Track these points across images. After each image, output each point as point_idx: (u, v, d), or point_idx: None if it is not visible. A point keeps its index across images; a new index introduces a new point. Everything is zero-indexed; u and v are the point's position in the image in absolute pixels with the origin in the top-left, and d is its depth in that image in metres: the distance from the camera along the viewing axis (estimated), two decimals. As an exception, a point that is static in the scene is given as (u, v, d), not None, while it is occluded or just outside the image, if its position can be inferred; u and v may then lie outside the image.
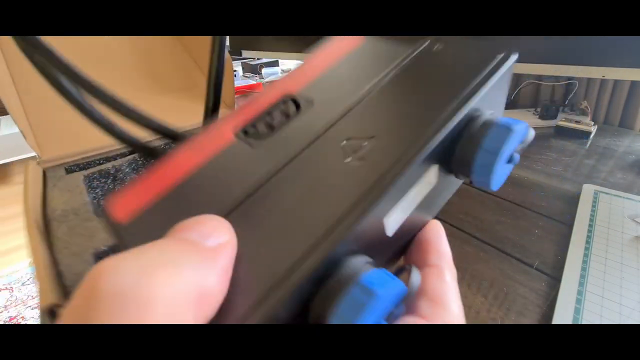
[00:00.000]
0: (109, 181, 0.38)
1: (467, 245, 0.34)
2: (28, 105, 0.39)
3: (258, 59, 1.11)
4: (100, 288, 0.07)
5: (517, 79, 0.72)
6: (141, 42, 0.48)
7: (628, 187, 0.41)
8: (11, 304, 1.23)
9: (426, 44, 0.16)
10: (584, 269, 0.29)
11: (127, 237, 0.12)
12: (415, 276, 0.10)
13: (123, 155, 0.41)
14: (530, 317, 0.26)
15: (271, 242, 0.10)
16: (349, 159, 0.12)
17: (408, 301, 0.10)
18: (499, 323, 0.26)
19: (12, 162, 1.93)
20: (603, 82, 0.62)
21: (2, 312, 1.20)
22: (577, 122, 0.56)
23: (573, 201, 0.39)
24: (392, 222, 0.11)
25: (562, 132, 0.56)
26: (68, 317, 0.07)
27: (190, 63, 0.51)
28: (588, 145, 0.53)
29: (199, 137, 0.15)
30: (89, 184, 0.36)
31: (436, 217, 0.15)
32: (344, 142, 0.13)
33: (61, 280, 0.22)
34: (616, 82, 0.61)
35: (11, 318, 1.18)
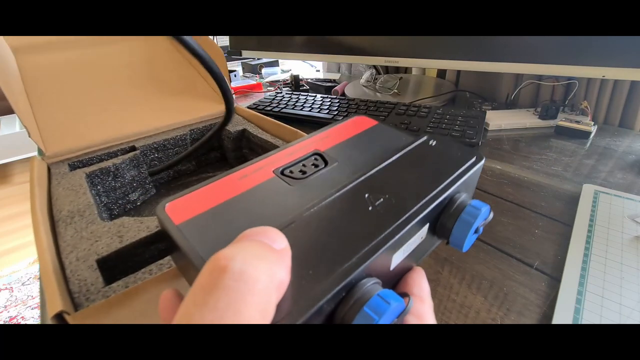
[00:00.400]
0: (110, 178, 0.38)
1: (467, 245, 0.34)
2: (34, 101, 0.39)
3: (258, 59, 1.11)
4: (230, 266, 0.10)
5: (517, 79, 0.72)
6: (145, 51, 0.50)
7: (628, 187, 0.41)
8: (11, 304, 1.23)
9: (424, 138, 0.21)
10: (584, 269, 0.29)
11: (182, 233, 0.15)
12: (411, 301, 0.14)
13: (124, 151, 0.41)
14: (530, 317, 0.26)
15: (312, 260, 0.13)
16: (370, 208, 0.16)
17: (402, 316, 0.14)
18: (499, 323, 0.26)
19: (12, 162, 1.93)
20: (603, 82, 0.62)
21: (2, 312, 1.20)
22: (577, 122, 0.56)
23: (573, 201, 0.39)
24: (395, 259, 0.15)
25: (562, 132, 0.56)
26: (201, 286, 0.10)
27: (189, 69, 0.52)
28: (588, 145, 0.53)
29: (243, 170, 0.19)
30: (91, 181, 0.36)
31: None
32: (367, 194, 0.17)
33: (67, 286, 0.22)
34: (616, 82, 0.61)
35: (11, 318, 1.18)
